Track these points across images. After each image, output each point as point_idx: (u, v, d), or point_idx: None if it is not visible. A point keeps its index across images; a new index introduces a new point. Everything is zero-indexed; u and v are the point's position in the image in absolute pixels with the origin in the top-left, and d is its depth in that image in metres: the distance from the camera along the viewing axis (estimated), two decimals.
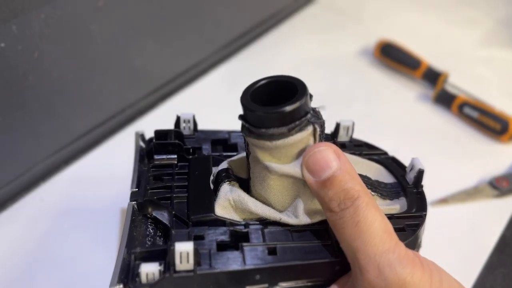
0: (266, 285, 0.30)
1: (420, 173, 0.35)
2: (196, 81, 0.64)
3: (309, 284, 0.31)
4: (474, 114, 0.57)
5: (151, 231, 0.32)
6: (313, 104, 0.30)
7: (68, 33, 0.46)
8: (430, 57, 0.65)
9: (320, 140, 0.29)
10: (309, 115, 0.29)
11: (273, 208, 0.32)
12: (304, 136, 0.29)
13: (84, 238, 0.45)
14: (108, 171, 0.52)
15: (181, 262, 0.27)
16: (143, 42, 0.55)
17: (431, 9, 0.80)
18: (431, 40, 0.72)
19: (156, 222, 0.32)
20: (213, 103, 0.61)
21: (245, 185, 0.33)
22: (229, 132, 0.40)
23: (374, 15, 0.79)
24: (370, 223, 0.26)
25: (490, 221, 0.47)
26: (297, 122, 0.28)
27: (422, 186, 0.36)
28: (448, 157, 0.54)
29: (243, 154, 0.35)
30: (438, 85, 0.61)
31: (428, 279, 0.26)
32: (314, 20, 0.78)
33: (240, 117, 0.30)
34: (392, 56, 0.66)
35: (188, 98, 0.62)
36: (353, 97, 0.61)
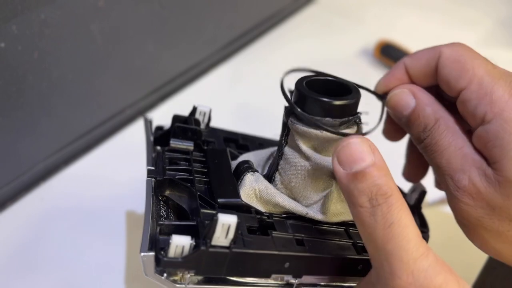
0: (291, 276, 0.29)
1: (422, 194, 0.36)
2: (196, 81, 0.64)
3: (328, 284, 0.31)
4: None
5: (164, 213, 0.31)
6: None
7: (68, 33, 0.46)
8: None
9: None
10: (359, 114, 0.30)
11: (299, 202, 0.32)
12: (350, 133, 0.29)
13: (84, 238, 0.45)
14: (108, 171, 0.52)
15: (219, 236, 0.26)
16: (143, 42, 0.55)
17: (431, 9, 0.80)
18: (431, 41, 0.72)
19: (168, 204, 0.32)
20: (213, 103, 0.61)
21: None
22: (238, 133, 0.40)
23: (374, 16, 0.79)
24: (404, 226, 0.25)
25: None
26: (350, 118, 0.29)
27: (421, 208, 0.37)
28: None
29: (258, 151, 0.35)
30: None
31: (457, 286, 0.25)
32: (314, 20, 0.78)
33: (289, 102, 0.30)
34: (392, 56, 0.66)
35: (188, 98, 0.62)
36: None
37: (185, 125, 0.35)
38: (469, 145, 0.29)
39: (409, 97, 0.31)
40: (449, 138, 0.29)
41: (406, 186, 0.39)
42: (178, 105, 0.61)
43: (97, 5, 0.47)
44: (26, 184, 0.49)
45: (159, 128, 0.38)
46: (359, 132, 0.30)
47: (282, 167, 0.31)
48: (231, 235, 0.26)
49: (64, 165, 0.52)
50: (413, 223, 0.25)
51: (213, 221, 0.26)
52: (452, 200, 0.29)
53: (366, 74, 0.67)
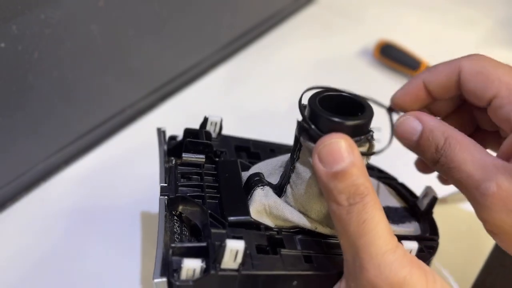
0: None
1: (434, 200, 0.36)
2: (197, 81, 0.64)
3: None
4: None
5: (177, 229, 0.32)
6: None
7: (68, 33, 0.46)
8: (429, 57, 0.65)
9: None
10: (371, 133, 0.30)
11: (309, 217, 0.32)
12: (361, 150, 0.29)
13: (85, 239, 0.45)
14: (109, 171, 0.52)
15: (228, 260, 0.27)
16: (143, 42, 0.55)
17: (431, 9, 0.80)
18: (430, 41, 0.73)
19: (182, 220, 0.32)
20: (213, 103, 0.61)
21: (276, 191, 0.33)
22: (250, 140, 0.40)
23: (374, 16, 0.79)
24: (376, 223, 0.26)
25: None
26: (362, 137, 0.29)
27: (432, 213, 0.37)
28: None
29: (270, 160, 0.36)
30: None
31: (424, 279, 0.26)
32: (314, 21, 0.78)
33: (304, 120, 0.30)
34: (392, 57, 0.66)
35: (189, 98, 0.62)
36: None
37: (196, 139, 0.36)
38: (486, 153, 0.29)
39: (415, 122, 0.31)
40: (464, 152, 0.29)
41: (418, 187, 0.39)
42: (179, 105, 0.61)
43: (97, 5, 0.47)
44: (26, 184, 0.49)
45: (172, 138, 0.39)
46: (371, 150, 0.31)
47: (294, 180, 0.32)
48: (239, 259, 0.27)
49: (64, 166, 0.52)
50: (384, 221, 0.27)
51: (222, 247, 0.27)
52: (482, 211, 0.29)
53: (366, 74, 0.67)
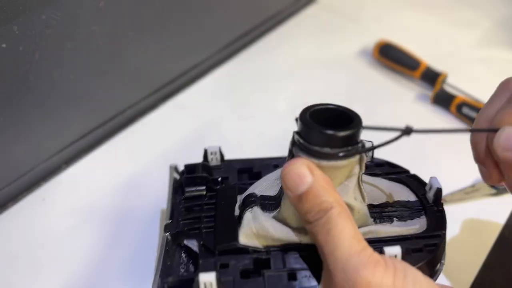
0: None
1: (438, 192, 0.36)
2: (197, 82, 0.65)
3: None
4: (473, 114, 0.57)
5: (185, 259, 0.34)
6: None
7: (69, 34, 0.46)
8: (429, 57, 0.65)
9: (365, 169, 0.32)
10: (360, 144, 0.31)
11: (296, 226, 0.32)
12: (350, 162, 0.30)
13: (85, 239, 0.45)
14: (109, 171, 0.52)
15: None
16: (143, 43, 0.55)
17: (430, 9, 0.81)
18: (430, 41, 0.73)
19: (188, 250, 0.35)
20: (213, 104, 0.61)
21: (274, 202, 0.34)
22: (254, 160, 0.42)
23: (373, 16, 0.79)
24: (340, 230, 0.28)
25: (489, 220, 0.48)
26: (349, 148, 0.30)
27: (442, 204, 0.36)
28: (446, 157, 0.54)
29: (269, 174, 0.37)
30: (437, 85, 0.61)
31: (390, 277, 0.26)
32: (313, 21, 0.78)
33: (296, 133, 0.31)
34: (391, 57, 0.66)
35: (189, 98, 0.62)
36: (352, 98, 0.62)
37: (192, 174, 0.39)
38: None
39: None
40: None
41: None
42: (179, 105, 0.61)
43: (98, 6, 0.47)
44: (27, 184, 0.49)
45: (184, 173, 0.41)
46: (362, 160, 0.31)
47: (285, 191, 0.33)
48: None
49: (65, 166, 0.52)
50: (349, 227, 0.28)
51: (195, 281, 0.30)
52: None
53: (365, 74, 0.67)
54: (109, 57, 0.51)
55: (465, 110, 0.57)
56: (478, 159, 0.34)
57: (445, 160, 0.53)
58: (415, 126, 0.60)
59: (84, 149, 0.54)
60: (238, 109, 0.60)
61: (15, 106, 0.44)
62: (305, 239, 0.32)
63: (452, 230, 0.47)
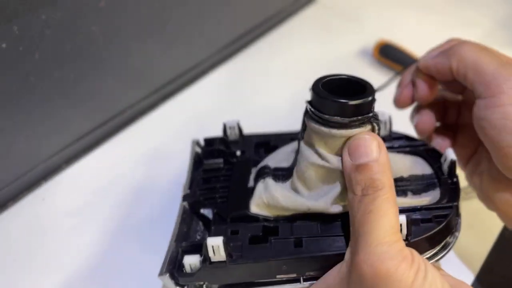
0: (295, 274, 0.32)
1: (452, 163, 0.35)
2: (197, 82, 0.65)
3: None
4: None
5: (201, 227, 0.36)
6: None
7: (69, 34, 0.46)
8: None
9: None
10: (371, 114, 0.31)
11: (308, 195, 0.33)
12: (361, 132, 0.31)
13: (85, 238, 0.45)
14: (109, 171, 0.52)
15: (214, 254, 0.31)
16: (144, 42, 0.55)
17: (430, 9, 0.81)
18: (430, 41, 0.73)
19: (204, 219, 0.36)
20: (213, 104, 0.62)
21: (287, 173, 0.35)
22: (271, 135, 0.43)
23: (374, 16, 0.79)
24: (381, 215, 0.28)
25: (489, 219, 0.48)
26: (360, 117, 0.30)
27: (457, 176, 0.36)
28: None
29: (283, 147, 0.38)
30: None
31: (412, 275, 0.26)
32: (313, 21, 0.78)
33: (308, 102, 0.32)
34: (391, 57, 0.66)
35: (189, 98, 0.62)
36: None
37: (211, 147, 0.41)
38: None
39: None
40: None
41: None
42: (179, 105, 0.61)
43: (98, 6, 0.47)
44: (27, 184, 0.49)
45: (209, 142, 0.43)
46: (373, 130, 0.31)
47: (298, 161, 0.34)
48: (222, 253, 0.31)
49: (65, 166, 0.52)
50: (391, 216, 0.28)
51: (204, 244, 0.31)
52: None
53: (365, 74, 0.66)
54: (109, 57, 0.51)
55: None
56: (399, 84, 0.41)
57: None
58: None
59: (84, 149, 0.54)
60: (238, 109, 0.60)
61: (15, 106, 0.44)
62: (313, 207, 0.32)
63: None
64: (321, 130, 0.31)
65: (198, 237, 0.35)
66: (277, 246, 0.32)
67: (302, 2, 0.80)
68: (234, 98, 0.62)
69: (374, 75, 0.67)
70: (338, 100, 0.30)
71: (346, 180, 0.30)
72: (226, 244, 0.31)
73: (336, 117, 0.30)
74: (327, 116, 0.30)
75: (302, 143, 0.33)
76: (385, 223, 0.28)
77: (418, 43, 0.69)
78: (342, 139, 0.31)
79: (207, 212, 0.36)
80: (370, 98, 0.31)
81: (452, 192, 0.35)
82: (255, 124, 0.58)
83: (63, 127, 0.50)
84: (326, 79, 0.32)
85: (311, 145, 0.32)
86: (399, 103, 0.41)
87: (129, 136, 0.57)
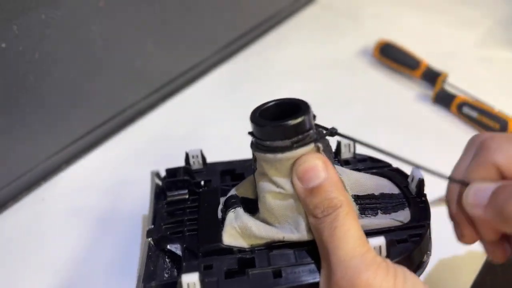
0: None
1: (420, 183, 0.36)
2: (197, 82, 0.65)
3: None
4: (473, 114, 0.57)
5: (169, 264, 0.34)
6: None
7: (68, 34, 0.46)
8: (429, 57, 0.65)
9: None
10: (311, 131, 0.30)
11: (277, 225, 0.32)
12: (306, 151, 0.30)
13: (85, 238, 0.45)
14: (109, 171, 0.52)
15: None
16: (143, 42, 0.55)
17: (430, 9, 0.81)
18: (430, 40, 0.73)
19: (172, 255, 0.34)
20: (213, 103, 0.61)
21: (254, 205, 0.34)
22: (236, 162, 0.42)
23: (374, 16, 0.79)
24: (346, 230, 0.28)
25: None
26: (300, 137, 0.30)
27: (425, 195, 0.36)
28: (447, 156, 0.54)
29: (250, 176, 0.36)
30: (437, 85, 0.61)
31: (391, 280, 0.27)
32: (314, 21, 0.78)
33: (250, 133, 0.32)
34: (392, 56, 0.66)
35: (189, 98, 0.62)
36: (352, 97, 0.62)
37: (173, 178, 0.39)
38: None
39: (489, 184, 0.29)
40: None
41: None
42: (179, 105, 0.61)
43: (97, 6, 0.47)
44: (27, 184, 0.49)
45: (165, 178, 0.41)
46: (318, 149, 0.31)
47: (258, 192, 0.33)
48: None
49: (65, 165, 0.52)
50: (355, 228, 0.28)
51: (178, 283, 0.29)
52: None
53: (366, 74, 0.67)
54: (109, 57, 0.51)
55: (466, 109, 0.57)
56: (451, 216, 0.34)
57: (446, 160, 0.53)
58: (416, 126, 0.60)
59: (84, 149, 0.54)
60: (238, 109, 0.60)
61: (15, 106, 0.44)
62: (288, 237, 0.32)
63: (452, 230, 0.46)
64: (268, 158, 0.31)
65: (166, 275, 0.33)
66: (255, 279, 0.31)
67: (302, 2, 0.80)
68: (233, 98, 0.62)
69: (374, 75, 0.67)
70: (273, 124, 0.30)
71: (302, 204, 0.30)
72: (202, 281, 0.29)
73: (277, 141, 0.30)
74: (268, 143, 0.30)
75: (256, 175, 0.33)
76: (353, 235, 0.28)
77: (419, 43, 0.69)
78: (290, 162, 0.30)
79: (174, 247, 0.34)
80: (303, 116, 0.30)
81: (422, 210, 0.35)
82: None
83: (63, 127, 0.50)
84: (262, 108, 0.32)
85: (264, 175, 0.32)
86: (464, 240, 0.35)
87: (129, 136, 0.57)
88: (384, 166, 0.40)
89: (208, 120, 0.58)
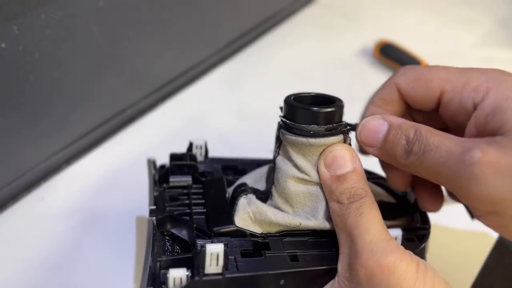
0: None
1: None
2: (197, 81, 0.65)
3: None
4: None
5: (169, 247, 0.33)
6: None
7: (68, 34, 0.46)
8: (429, 57, 0.65)
9: None
10: (343, 123, 0.32)
11: (291, 212, 0.32)
12: (336, 140, 0.31)
13: (85, 239, 0.45)
14: (109, 171, 0.52)
15: (210, 264, 0.28)
16: (143, 42, 0.55)
17: (430, 9, 0.81)
18: (430, 40, 0.73)
19: (174, 238, 0.33)
20: (213, 103, 0.62)
21: (263, 196, 0.34)
22: (237, 159, 0.41)
23: (374, 15, 0.79)
24: (372, 216, 0.29)
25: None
26: (335, 125, 0.31)
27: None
28: None
29: (256, 170, 0.37)
30: None
31: (415, 267, 0.28)
32: (314, 21, 0.78)
33: (282, 117, 0.32)
34: (392, 56, 0.66)
35: (189, 98, 0.62)
36: (352, 97, 0.61)
37: (180, 161, 0.38)
38: (460, 136, 0.29)
39: (380, 121, 0.31)
40: (437, 135, 0.28)
41: None
42: (179, 105, 0.61)
43: (97, 6, 0.47)
44: (27, 184, 0.49)
45: (163, 166, 0.40)
46: (346, 140, 0.32)
47: (276, 178, 0.33)
48: (221, 262, 0.28)
49: (65, 165, 0.52)
50: (379, 217, 0.29)
51: (202, 251, 0.28)
52: (474, 186, 0.26)
53: (366, 74, 0.67)
54: (109, 57, 0.51)
55: None
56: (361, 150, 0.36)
57: None
58: None
59: (84, 148, 0.54)
60: (238, 109, 0.60)
61: (15, 106, 0.44)
62: (305, 224, 0.32)
63: (452, 230, 0.47)
64: (299, 141, 0.31)
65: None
66: (272, 260, 0.30)
67: (302, 1, 0.80)
68: (233, 98, 0.62)
69: (375, 75, 0.67)
70: (313, 108, 0.31)
71: (326, 191, 0.31)
72: (226, 252, 0.28)
73: (312, 126, 0.31)
74: (303, 125, 0.31)
75: (279, 160, 0.33)
76: (378, 222, 0.29)
77: (419, 43, 0.69)
78: (319, 149, 0.31)
79: (177, 230, 0.33)
80: (341, 104, 0.32)
81: (422, 217, 0.36)
82: (254, 124, 0.58)
83: (63, 127, 0.50)
84: (297, 96, 0.33)
85: (289, 160, 0.32)
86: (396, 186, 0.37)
87: (129, 136, 0.57)
88: (379, 178, 0.40)
89: (208, 120, 0.58)
